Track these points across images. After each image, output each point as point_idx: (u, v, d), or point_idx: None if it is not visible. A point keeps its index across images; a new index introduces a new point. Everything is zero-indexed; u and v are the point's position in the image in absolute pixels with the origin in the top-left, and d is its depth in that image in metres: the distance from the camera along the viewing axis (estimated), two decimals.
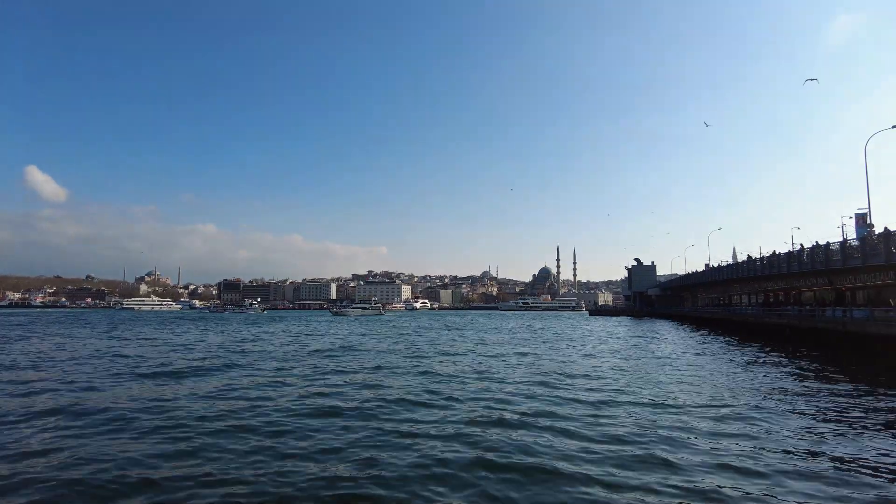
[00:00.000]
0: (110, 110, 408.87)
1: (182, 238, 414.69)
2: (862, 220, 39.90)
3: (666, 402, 14.27)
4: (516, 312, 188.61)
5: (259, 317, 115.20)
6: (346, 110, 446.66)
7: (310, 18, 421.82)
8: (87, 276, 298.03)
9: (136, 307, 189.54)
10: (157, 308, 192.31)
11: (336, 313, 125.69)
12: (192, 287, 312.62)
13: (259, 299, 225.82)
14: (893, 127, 38.99)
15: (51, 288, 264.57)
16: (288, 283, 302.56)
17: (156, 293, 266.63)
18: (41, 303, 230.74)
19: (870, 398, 15.03)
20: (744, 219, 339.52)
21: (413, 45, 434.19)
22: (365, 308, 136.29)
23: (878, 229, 31.89)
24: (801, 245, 41.83)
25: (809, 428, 11.48)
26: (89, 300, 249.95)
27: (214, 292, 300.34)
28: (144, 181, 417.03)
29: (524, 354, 29.06)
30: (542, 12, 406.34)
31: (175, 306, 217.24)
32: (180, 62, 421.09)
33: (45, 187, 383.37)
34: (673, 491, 7.64)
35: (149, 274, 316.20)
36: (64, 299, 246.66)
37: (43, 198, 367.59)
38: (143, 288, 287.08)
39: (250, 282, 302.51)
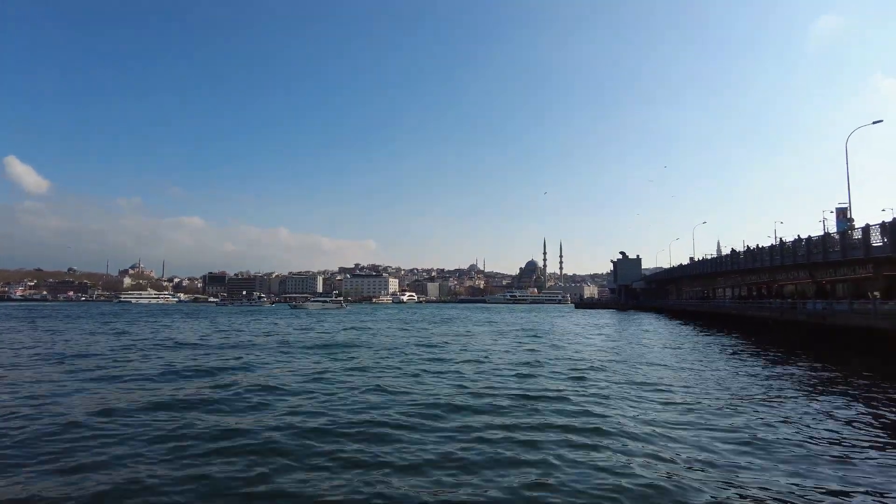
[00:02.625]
0: (94, 101, 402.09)
1: (167, 231, 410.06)
2: (842, 215, 40.53)
3: None
4: (504, 305, 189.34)
5: (267, 310, 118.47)
6: (334, 105, 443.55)
7: (299, 13, 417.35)
8: (69, 269, 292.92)
9: (133, 300, 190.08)
10: (153, 301, 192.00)
11: (295, 307, 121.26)
12: (176, 280, 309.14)
13: (245, 292, 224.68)
14: (874, 123, 39.72)
15: (31, 281, 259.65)
16: (274, 276, 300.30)
17: (140, 286, 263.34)
18: (21, 296, 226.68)
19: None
20: (728, 213, 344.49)
21: (403, 40, 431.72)
22: (325, 301, 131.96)
23: (859, 223, 32.40)
24: (781, 239, 42.40)
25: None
26: (71, 293, 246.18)
27: (199, 285, 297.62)
28: (130, 173, 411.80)
29: None
30: (531, 10, 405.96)
31: (171, 300, 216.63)
32: (168, 55, 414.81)
33: (26, 178, 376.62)
34: None
35: (132, 267, 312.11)
36: (45, 292, 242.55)
37: (24, 189, 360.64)
38: (127, 281, 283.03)
39: (236, 275, 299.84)
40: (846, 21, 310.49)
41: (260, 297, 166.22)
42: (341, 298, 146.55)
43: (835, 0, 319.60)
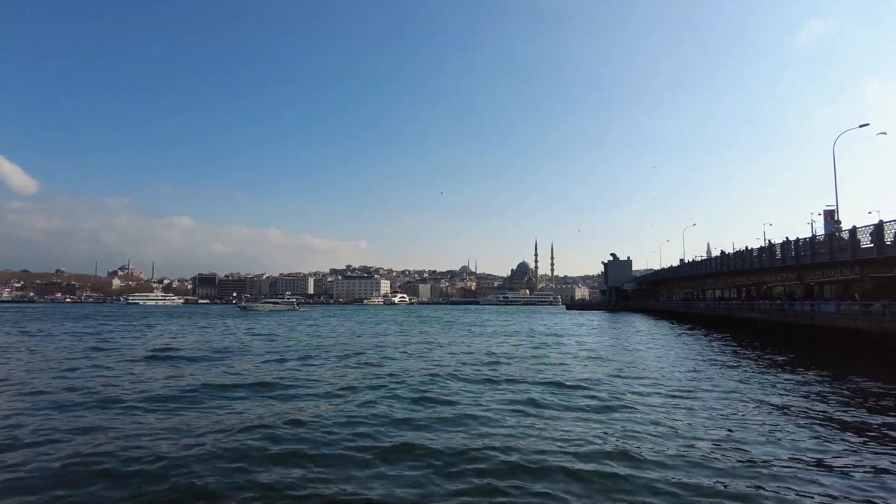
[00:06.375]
0: (83, 98, 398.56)
1: (158, 231, 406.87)
2: (830, 217, 40.84)
3: None
4: (496, 307, 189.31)
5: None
6: (326, 105, 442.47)
7: (290, 11, 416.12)
8: (57, 271, 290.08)
9: (141, 302, 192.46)
10: (159, 303, 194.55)
11: (244, 308, 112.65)
12: (166, 281, 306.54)
13: (235, 293, 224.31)
14: (861, 126, 40.03)
15: (18, 282, 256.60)
16: (265, 277, 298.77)
17: (129, 288, 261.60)
18: (8, 297, 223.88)
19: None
20: (718, 215, 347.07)
21: (393, 39, 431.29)
22: (276, 303, 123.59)
23: (846, 225, 32.66)
24: (770, 241, 42.73)
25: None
26: (59, 294, 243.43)
27: (189, 287, 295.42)
28: (119, 172, 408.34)
29: None
30: (522, 10, 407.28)
31: (178, 300, 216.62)
32: (159, 51, 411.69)
33: (13, 178, 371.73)
34: None
35: (122, 268, 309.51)
36: (32, 294, 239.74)
37: (11, 189, 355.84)
38: (116, 282, 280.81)
39: (226, 276, 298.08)
40: (834, 26, 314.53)
41: (290, 298, 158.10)
42: (294, 300, 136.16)
43: (823, 5, 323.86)
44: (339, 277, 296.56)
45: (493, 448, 9.47)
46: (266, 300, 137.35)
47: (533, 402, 13.72)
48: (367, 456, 9.11)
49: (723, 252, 55.24)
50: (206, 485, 7.71)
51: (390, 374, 18.92)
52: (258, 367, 20.87)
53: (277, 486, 7.73)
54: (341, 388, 15.91)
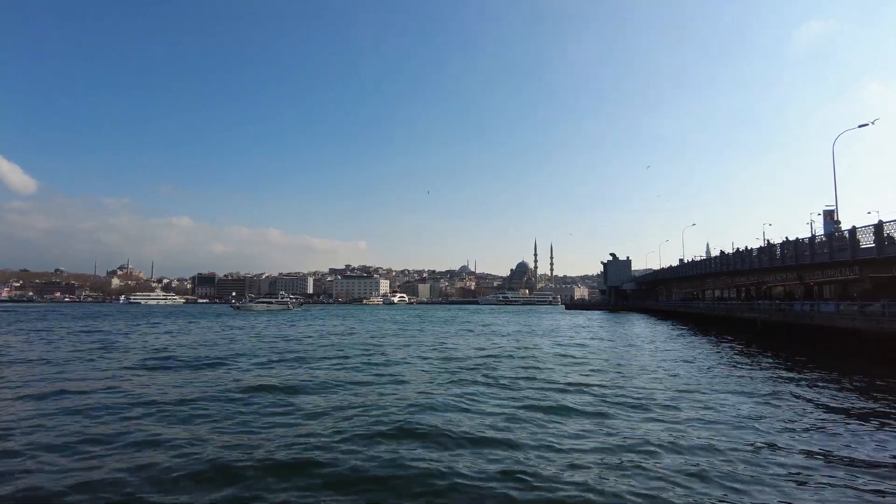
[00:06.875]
0: (85, 98, 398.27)
1: (157, 231, 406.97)
2: (829, 217, 40.93)
3: None
4: (496, 307, 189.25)
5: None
6: (326, 104, 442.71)
7: (290, 11, 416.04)
8: (56, 270, 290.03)
9: (143, 301, 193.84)
10: (160, 302, 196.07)
11: (238, 308, 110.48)
12: (165, 281, 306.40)
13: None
14: (860, 126, 40.14)
15: (17, 282, 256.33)
16: (264, 276, 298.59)
17: (128, 287, 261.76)
18: (7, 296, 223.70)
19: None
20: (718, 215, 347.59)
21: (393, 38, 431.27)
22: (270, 303, 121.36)
23: (846, 225, 32.78)
24: (769, 241, 42.88)
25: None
26: (58, 294, 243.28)
27: (188, 286, 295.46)
28: (119, 172, 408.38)
29: None
30: (521, 11, 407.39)
31: (179, 300, 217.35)
32: (160, 50, 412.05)
33: (12, 177, 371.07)
34: None
35: (121, 268, 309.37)
36: (31, 293, 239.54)
37: (10, 189, 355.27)
38: (115, 282, 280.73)
39: (225, 276, 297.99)
40: (834, 26, 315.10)
41: (284, 298, 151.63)
42: (288, 300, 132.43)
43: (823, 5, 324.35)
44: (339, 277, 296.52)
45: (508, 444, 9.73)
46: (260, 300, 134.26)
47: (543, 402, 13.89)
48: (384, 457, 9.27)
49: (722, 252, 55.32)
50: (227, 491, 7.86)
51: (394, 374, 19.10)
52: (261, 369, 20.95)
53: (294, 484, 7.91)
54: (355, 390, 16.05)
